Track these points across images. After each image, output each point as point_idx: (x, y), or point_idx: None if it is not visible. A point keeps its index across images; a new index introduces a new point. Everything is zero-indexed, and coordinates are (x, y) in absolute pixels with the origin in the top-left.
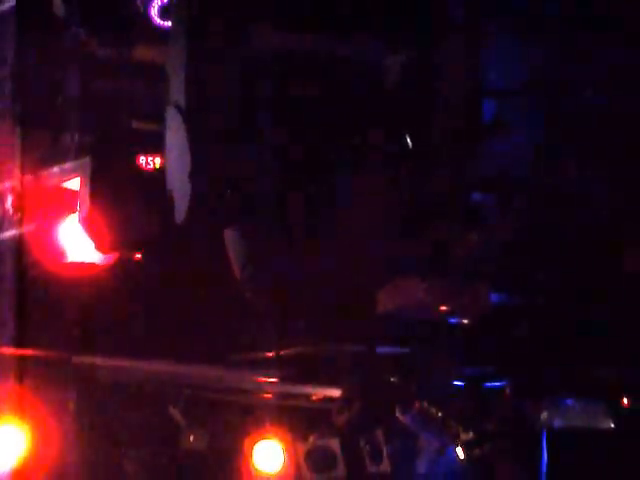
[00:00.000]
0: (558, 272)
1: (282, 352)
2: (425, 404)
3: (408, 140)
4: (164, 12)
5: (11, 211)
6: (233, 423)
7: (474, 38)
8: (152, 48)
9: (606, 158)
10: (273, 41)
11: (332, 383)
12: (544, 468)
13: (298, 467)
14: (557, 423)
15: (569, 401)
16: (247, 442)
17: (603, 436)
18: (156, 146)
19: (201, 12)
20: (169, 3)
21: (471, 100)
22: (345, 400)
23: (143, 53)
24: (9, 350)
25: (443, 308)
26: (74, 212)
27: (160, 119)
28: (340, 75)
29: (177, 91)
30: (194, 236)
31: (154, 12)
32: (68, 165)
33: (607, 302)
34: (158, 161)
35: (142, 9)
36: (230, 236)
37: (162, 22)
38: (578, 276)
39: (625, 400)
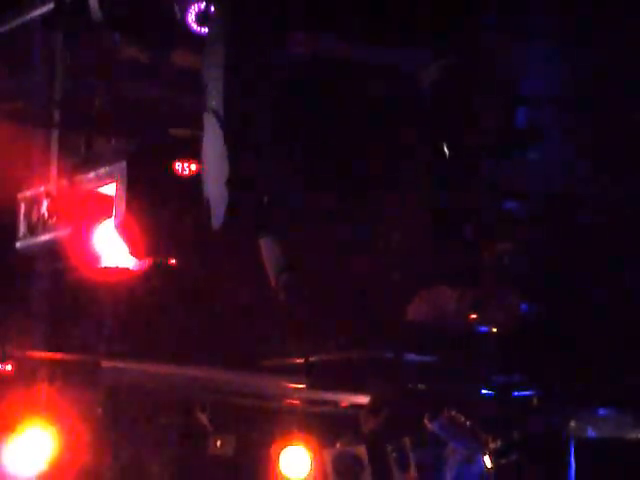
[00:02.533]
0: (589, 281)
1: (311, 359)
2: (453, 412)
3: (445, 149)
4: (201, 18)
5: (46, 216)
6: (260, 429)
7: (508, 46)
8: (189, 54)
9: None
10: (312, 49)
11: (360, 390)
12: (572, 478)
13: (324, 474)
14: (586, 433)
15: (599, 411)
16: (274, 448)
17: (633, 446)
18: (192, 152)
19: (239, 19)
20: (206, 9)
21: (505, 108)
22: (373, 407)
23: (180, 59)
24: (39, 354)
25: (473, 317)
26: (109, 217)
27: (197, 125)
28: (376, 85)
29: (215, 98)
30: (230, 242)
31: (191, 18)
32: (104, 170)
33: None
34: (194, 167)
35: (179, 15)
36: (266, 243)
37: (199, 28)
38: (609, 285)
39: None
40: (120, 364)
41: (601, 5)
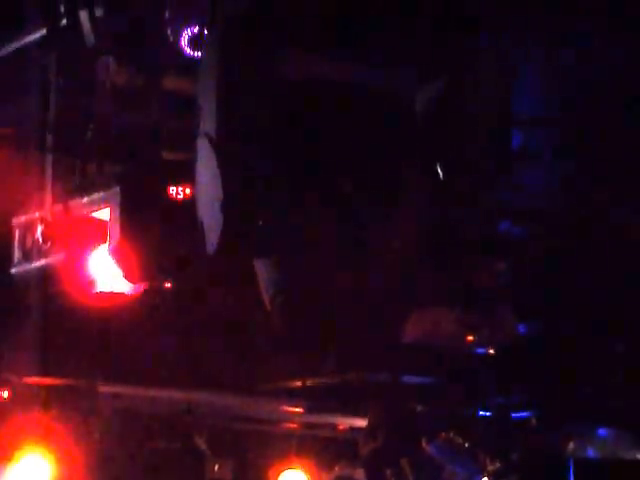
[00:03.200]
0: (587, 302)
1: (308, 382)
2: (451, 434)
3: (439, 170)
4: (194, 42)
5: (40, 241)
6: (258, 453)
7: (504, 68)
8: (182, 78)
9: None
10: (305, 71)
11: (358, 413)
12: None
13: None
14: (585, 453)
15: (598, 431)
16: (272, 472)
17: (633, 466)
18: (186, 176)
19: (232, 42)
20: (199, 33)
21: (501, 130)
22: (371, 430)
23: (173, 83)
24: (36, 379)
25: (470, 338)
26: (104, 242)
27: (190, 149)
28: (371, 106)
29: (208, 121)
30: (224, 266)
31: (184, 42)
32: (98, 195)
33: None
34: (188, 191)
35: (172, 39)
36: (260, 266)
37: (192, 52)
38: (608, 304)
39: None
40: (117, 389)
41: (600, 22)
